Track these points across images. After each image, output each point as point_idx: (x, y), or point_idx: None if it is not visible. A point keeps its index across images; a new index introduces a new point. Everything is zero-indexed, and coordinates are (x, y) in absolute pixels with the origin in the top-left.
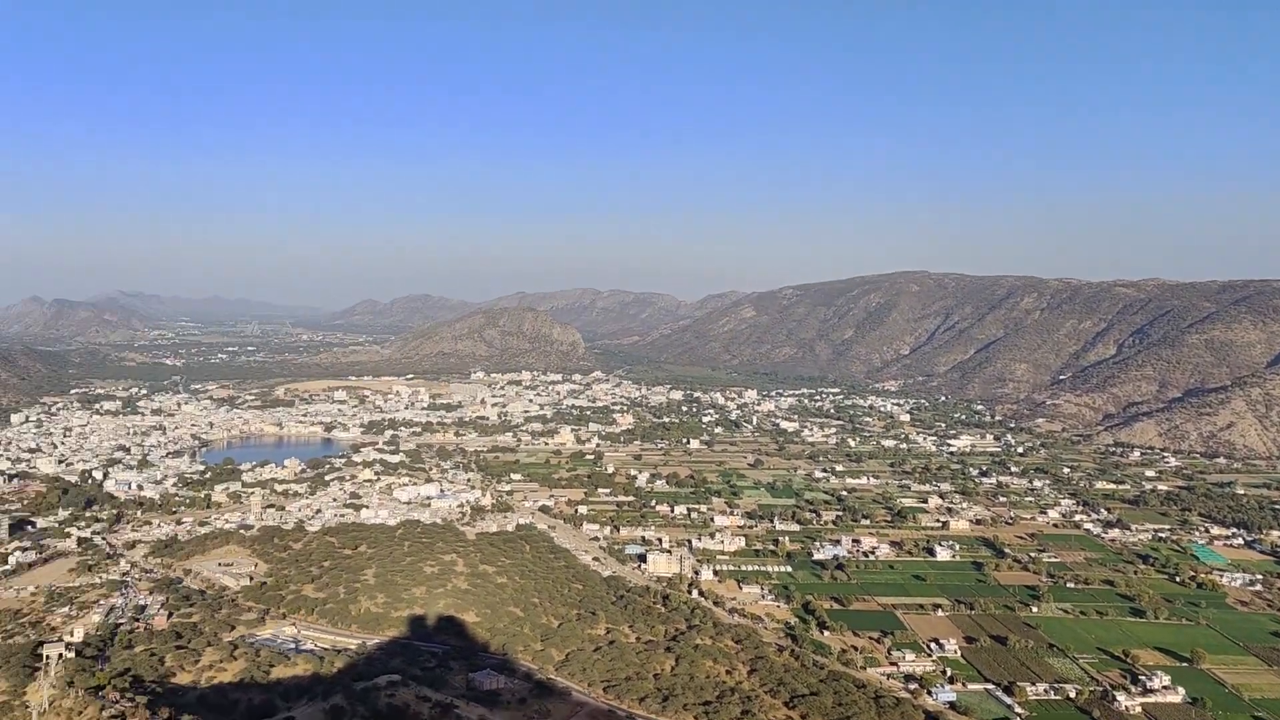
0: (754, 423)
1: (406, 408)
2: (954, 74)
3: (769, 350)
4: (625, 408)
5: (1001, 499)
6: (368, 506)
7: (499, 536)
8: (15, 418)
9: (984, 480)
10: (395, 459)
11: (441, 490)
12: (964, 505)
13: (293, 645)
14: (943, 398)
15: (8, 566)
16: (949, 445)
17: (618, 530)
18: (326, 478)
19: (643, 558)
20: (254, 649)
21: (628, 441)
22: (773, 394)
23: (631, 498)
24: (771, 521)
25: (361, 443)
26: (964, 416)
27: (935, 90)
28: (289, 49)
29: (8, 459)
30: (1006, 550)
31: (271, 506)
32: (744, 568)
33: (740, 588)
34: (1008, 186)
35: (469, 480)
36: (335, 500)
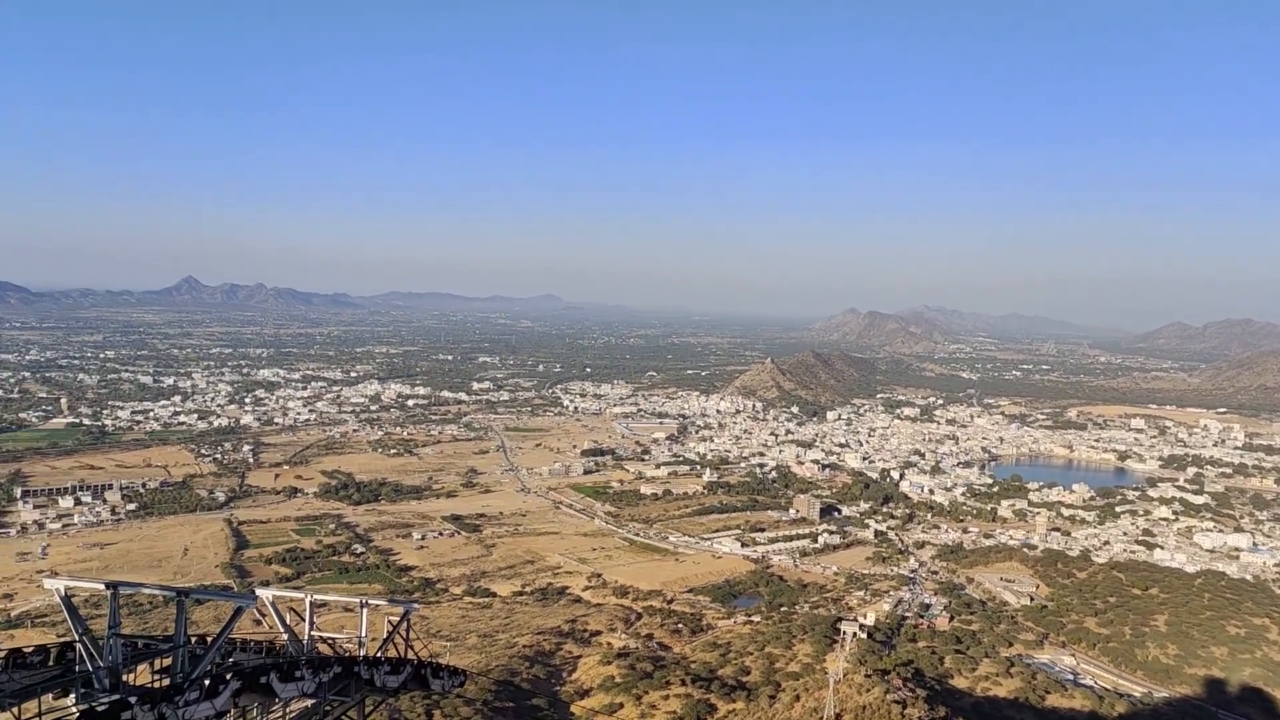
0: None
1: (1215, 445)
2: None
3: None
4: None
5: None
6: (1162, 547)
7: None
8: (830, 415)
9: None
10: (1198, 500)
11: (1255, 543)
12: None
13: (1070, 676)
14: None
15: (817, 545)
16: None
17: None
18: (1117, 509)
19: None
20: (1030, 671)
21: None
22: None
23: None
24: None
25: (1158, 477)
26: None
27: None
28: None
29: (822, 450)
30: None
31: (1056, 530)
32: None
33: None
34: None
35: None
36: (1125, 534)
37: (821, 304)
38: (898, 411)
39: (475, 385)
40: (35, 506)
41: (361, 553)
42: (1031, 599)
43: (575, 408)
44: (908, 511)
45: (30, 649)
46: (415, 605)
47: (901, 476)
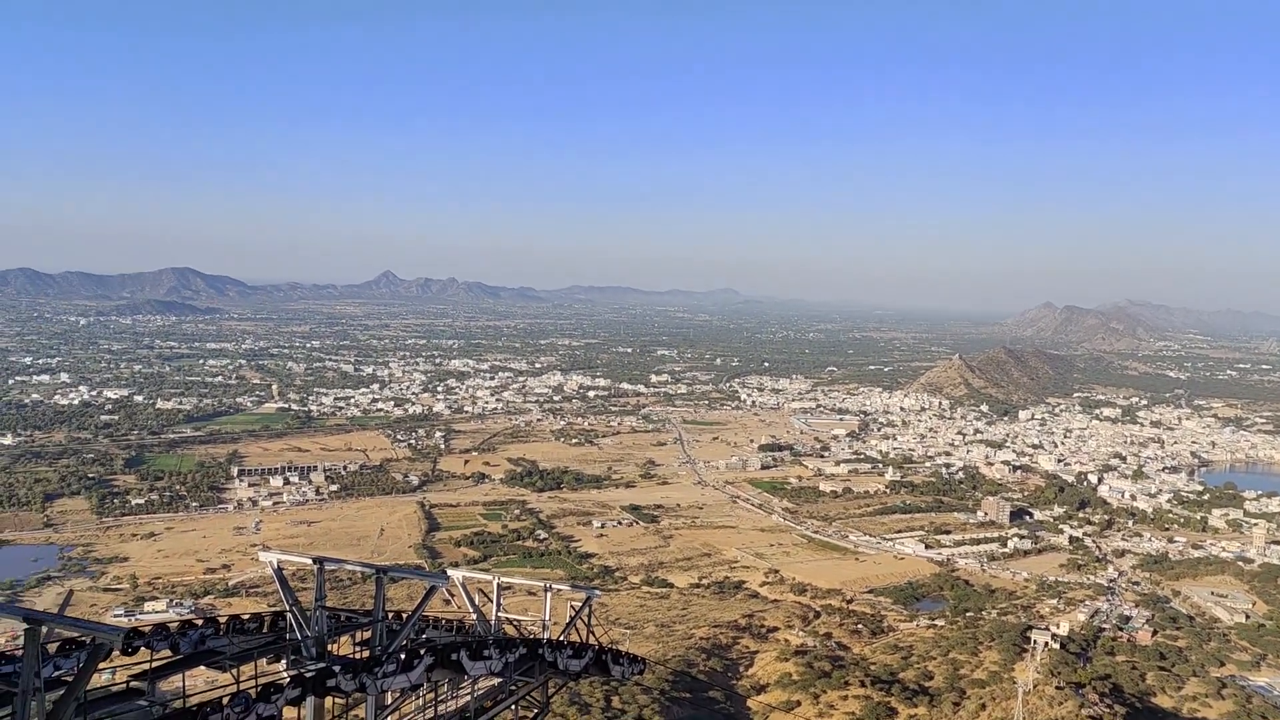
0: None
1: None
2: None
3: None
4: None
5: None
6: None
7: None
8: (1023, 414)
9: None
10: None
11: None
12: None
13: None
14: None
15: (1006, 549)
16: None
17: None
18: None
19: None
20: (1245, 693)
21: None
22: None
23: None
24: None
25: None
26: None
27: None
28: None
29: (1013, 451)
30: None
31: (1277, 543)
32: None
33: None
34: None
35: None
36: None
37: (1013, 298)
38: (1096, 412)
39: (653, 378)
40: (250, 485)
41: (544, 538)
42: (1247, 616)
43: (753, 402)
44: (1106, 518)
45: (247, 616)
46: (596, 592)
47: (1100, 480)
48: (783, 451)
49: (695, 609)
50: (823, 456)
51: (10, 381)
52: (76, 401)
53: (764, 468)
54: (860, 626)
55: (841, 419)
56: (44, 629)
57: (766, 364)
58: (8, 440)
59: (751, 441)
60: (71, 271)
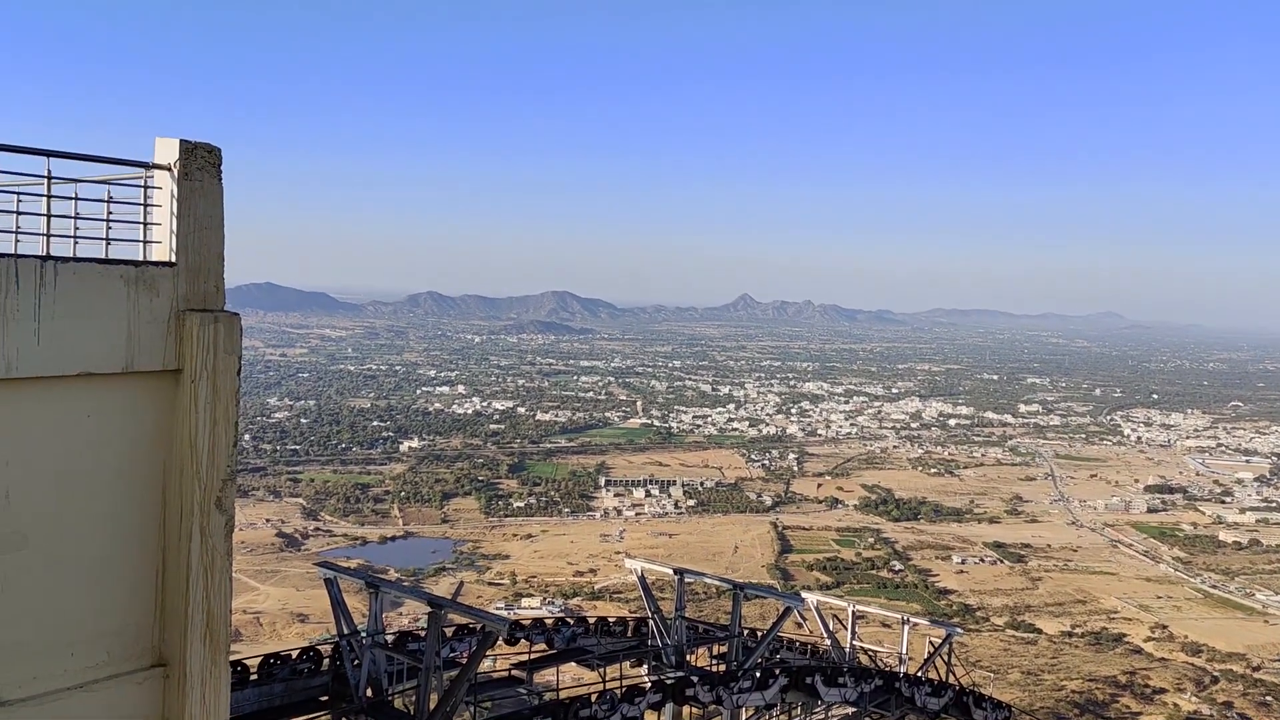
0: None
1: None
2: None
3: None
4: None
5: None
6: None
7: None
8: None
9: None
10: None
11: None
12: None
13: None
14: None
15: None
16: None
17: None
18: None
19: None
20: None
21: None
22: None
23: None
24: None
25: None
26: None
27: None
28: None
29: None
30: None
31: None
32: None
33: None
34: None
35: None
36: None
37: None
38: None
39: (1022, 407)
40: (615, 495)
41: (899, 570)
42: None
43: (1137, 438)
44: None
45: (613, 619)
46: (958, 630)
47: None
48: (1174, 494)
49: (1066, 659)
50: (1224, 502)
51: (418, 392)
52: (470, 411)
53: (1150, 511)
54: (1270, 699)
55: (1248, 461)
56: (443, 613)
57: (1155, 396)
58: (415, 444)
59: (1136, 481)
60: (469, 295)
